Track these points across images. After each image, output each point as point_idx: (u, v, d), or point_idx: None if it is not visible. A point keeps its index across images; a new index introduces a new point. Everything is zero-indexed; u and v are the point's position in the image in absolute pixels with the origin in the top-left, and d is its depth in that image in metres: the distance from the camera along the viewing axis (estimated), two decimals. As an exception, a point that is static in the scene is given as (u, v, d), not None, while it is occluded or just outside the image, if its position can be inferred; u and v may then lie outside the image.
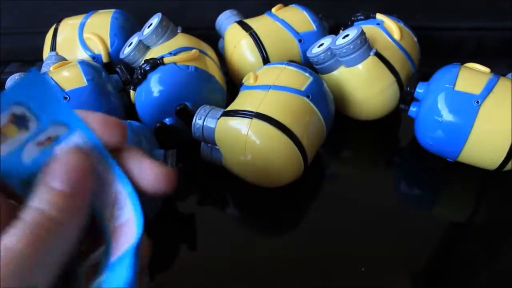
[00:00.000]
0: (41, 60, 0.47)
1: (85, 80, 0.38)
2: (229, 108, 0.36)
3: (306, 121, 0.35)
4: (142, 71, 0.38)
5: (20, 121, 0.18)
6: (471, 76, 0.36)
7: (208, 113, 0.36)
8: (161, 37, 0.42)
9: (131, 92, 0.41)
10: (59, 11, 0.51)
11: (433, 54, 0.48)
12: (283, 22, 0.44)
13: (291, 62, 0.39)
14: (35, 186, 0.19)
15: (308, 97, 0.36)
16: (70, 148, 0.19)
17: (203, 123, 0.36)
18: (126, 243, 0.18)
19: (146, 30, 0.42)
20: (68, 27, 0.47)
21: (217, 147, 0.36)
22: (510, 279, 0.32)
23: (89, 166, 0.19)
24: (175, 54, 0.39)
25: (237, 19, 0.46)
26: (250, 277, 0.32)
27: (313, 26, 0.45)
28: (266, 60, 0.43)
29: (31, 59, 0.52)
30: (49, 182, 0.19)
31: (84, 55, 0.45)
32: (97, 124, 0.20)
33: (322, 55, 0.40)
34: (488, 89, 0.35)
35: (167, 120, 0.39)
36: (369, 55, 0.39)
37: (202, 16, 0.52)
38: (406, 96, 0.39)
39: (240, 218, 0.38)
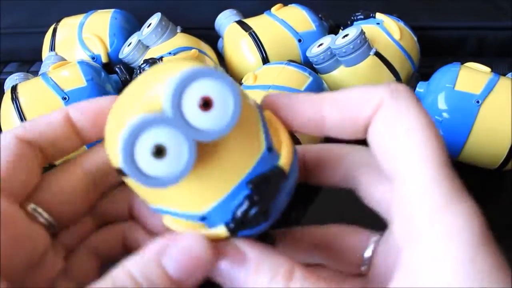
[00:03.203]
0: (40, 60, 0.47)
1: (84, 80, 0.38)
2: (229, 108, 0.36)
3: (306, 121, 0.35)
4: (141, 71, 0.38)
5: None
6: (472, 76, 0.36)
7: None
8: (161, 37, 0.42)
9: (131, 92, 0.40)
10: (58, 11, 0.51)
11: (433, 53, 0.48)
12: (282, 22, 0.44)
13: (290, 61, 0.39)
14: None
15: (307, 97, 0.36)
16: (199, 235, 0.18)
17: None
18: None
19: (146, 30, 0.42)
20: (67, 27, 0.47)
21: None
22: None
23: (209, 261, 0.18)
24: (174, 54, 0.39)
25: (236, 19, 0.46)
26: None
27: (312, 26, 0.44)
28: (265, 60, 0.43)
29: (30, 59, 0.52)
30: (163, 261, 0.17)
31: (83, 55, 0.45)
32: None
33: (321, 55, 0.40)
34: (489, 89, 0.35)
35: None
36: (368, 54, 0.39)
37: (201, 16, 0.52)
38: (406, 96, 0.39)
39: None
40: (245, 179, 0.19)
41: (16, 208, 0.19)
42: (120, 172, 0.18)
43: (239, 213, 0.19)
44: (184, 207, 0.19)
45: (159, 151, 0.17)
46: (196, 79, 0.17)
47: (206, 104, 0.18)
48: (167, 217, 0.20)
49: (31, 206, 0.19)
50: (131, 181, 0.19)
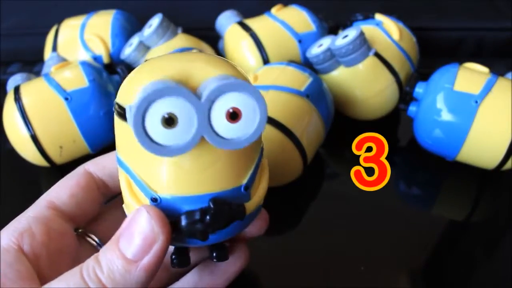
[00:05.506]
0: (42, 60, 0.47)
1: (86, 80, 0.38)
2: (229, 108, 0.36)
3: (306, 121, 0.35)
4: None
5: None
6: (470, 76, 0.36)
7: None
8: (162, 38, 0.43)
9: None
10: (60, 12, 0.52)
11: (432, 54, 0.49)
12: (282, 23, 0.45)
13: (291, 62, 0.39)
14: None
15: (307, 97, 0.36)
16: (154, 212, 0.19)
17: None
18: None
19: (147, 31, 0.43)
20: (69, 28, 0.47)
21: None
22: (509, 278, 0.32)
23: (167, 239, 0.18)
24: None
25: (237, 20, 0.47)
26: (249, 277, 0.32)
27: (312, 27, 0.45)
28: (266, 61, 0.43)
29: (33, 59, 0.53)
30: (119, 244, 0.18)
31: (85, 56, 0.45)
32: None
33: (321, 55, 0.40)
34: (487, 89, 0.35)
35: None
36: (368, 55, 0.39)
37: (202, 16, 0.52)
38: (405, 96, 0.39)
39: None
40: (211, 194, 0.19)
41: (68, 227, 0.23)
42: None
43: (184, 219, 0.19)
44: (145, 177, 0.19)
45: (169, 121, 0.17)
46: (227, 92, 0.18)
47: (234, 115, 0.18)
48: (123, 176, 0.20)
49: (80, 230, 0.24)
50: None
